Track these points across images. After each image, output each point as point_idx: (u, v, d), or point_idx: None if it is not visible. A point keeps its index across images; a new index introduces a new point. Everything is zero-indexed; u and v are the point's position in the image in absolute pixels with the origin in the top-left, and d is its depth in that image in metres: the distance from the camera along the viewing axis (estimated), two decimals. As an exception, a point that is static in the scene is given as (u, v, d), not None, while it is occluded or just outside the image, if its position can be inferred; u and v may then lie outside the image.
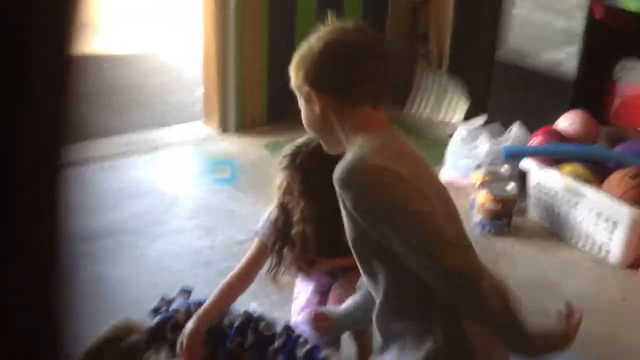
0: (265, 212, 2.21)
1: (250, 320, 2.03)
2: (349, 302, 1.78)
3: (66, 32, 0.60)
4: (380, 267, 1.45)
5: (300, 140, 2.04)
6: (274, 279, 2.19)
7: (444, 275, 1.33)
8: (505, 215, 3.40)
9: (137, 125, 4.63)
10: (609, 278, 3.11)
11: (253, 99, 4.46)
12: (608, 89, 3.84)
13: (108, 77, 5.83)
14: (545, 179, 3.42)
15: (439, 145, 4.07)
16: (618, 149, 3.53)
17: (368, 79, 1.47)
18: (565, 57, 3.84)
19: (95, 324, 2.54)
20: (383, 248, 1.39)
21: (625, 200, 3.11)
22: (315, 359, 1.92)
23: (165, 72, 6.06)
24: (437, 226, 1.34)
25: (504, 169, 3.59)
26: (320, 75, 1.46)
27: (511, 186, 3.43)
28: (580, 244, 3.30)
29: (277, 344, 1.97)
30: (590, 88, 3.83)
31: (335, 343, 2.03)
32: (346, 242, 1.50)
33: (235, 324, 2.03)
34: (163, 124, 4.67)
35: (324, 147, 1.57)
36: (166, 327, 2.09)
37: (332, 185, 1.40)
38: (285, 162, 2.04)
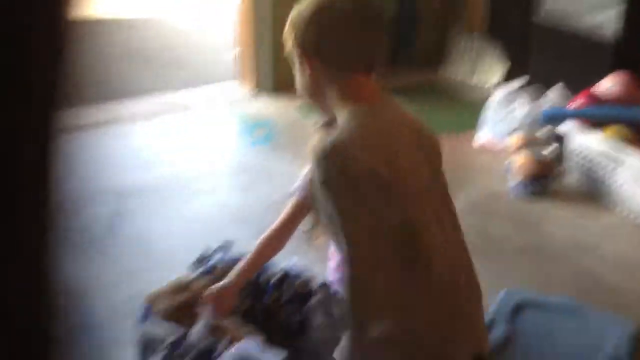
0: (302, 172, 2.21)
1: (287, 277, 2.05)
2: None
3: (65, 31, 0.59)
4: (337, 240, 1.44)
5: None
6: (310, 238, 2.20)
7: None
8: (543, 178, 3.36)
9: (173, 85, 4.66)
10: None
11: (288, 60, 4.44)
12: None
13: (145, 38, 5.86)
14: (586, 142, 3.37)
15: (475, 108, 4.03)
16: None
17: (356, 44, 1.44)
18: (606, 19, 3.75)
19: (138, 279, 2.60)
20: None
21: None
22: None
23: (200, 34, 6.07)
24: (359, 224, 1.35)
25: (543, 132, 3.54)
26: (309, 39, 1.45)
27: (550, 149, 3.39)
28: (619, 209, 3.25)
29: (313, 300, 1.98)
30: (633, 50, 3.75)
31: None
32: None
33: (272, 281, 2.05)
34: (199, 84, 4.69)
35: (320, 112, 1.57)
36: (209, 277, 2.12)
37: None
38: (319, 123, 2.04)
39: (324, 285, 2.04)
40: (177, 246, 2.80)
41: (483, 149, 3.81)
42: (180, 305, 2.14)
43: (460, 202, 3.06)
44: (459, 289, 1.45)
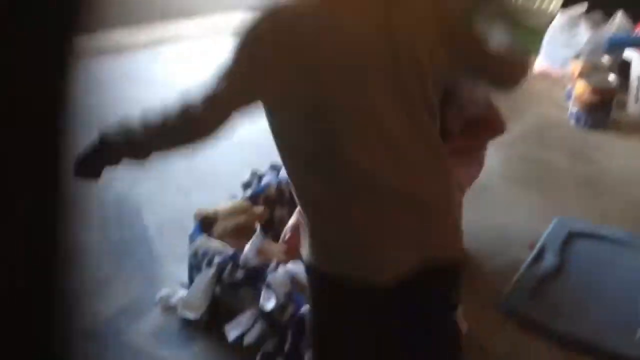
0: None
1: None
2: None
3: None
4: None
5: None
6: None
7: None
8: (604, 107, 3.25)
9: (224, 5, 4.61)
10: None
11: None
12: None
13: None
14: (650, 71, 3.24)
15: (535, 34, 3.89)
16: None
17: None
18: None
19: (188, 198, 2.65)
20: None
21: None
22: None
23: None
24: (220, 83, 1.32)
25: (605, 59, 3.41)
26: None
27: (612, 77, 3.27)
28: (682, 141, 3.14)
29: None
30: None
31: None
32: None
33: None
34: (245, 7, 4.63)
35: None
36: (259, 200, 2.15)
37: None
38: None
39: None
40: (225, 169, 2.84)
41: (542, 76, 3.70)
42: (239, 226, 2.19)
43: (516, 129, 3.00)
44: (397, 195, 1.31)
